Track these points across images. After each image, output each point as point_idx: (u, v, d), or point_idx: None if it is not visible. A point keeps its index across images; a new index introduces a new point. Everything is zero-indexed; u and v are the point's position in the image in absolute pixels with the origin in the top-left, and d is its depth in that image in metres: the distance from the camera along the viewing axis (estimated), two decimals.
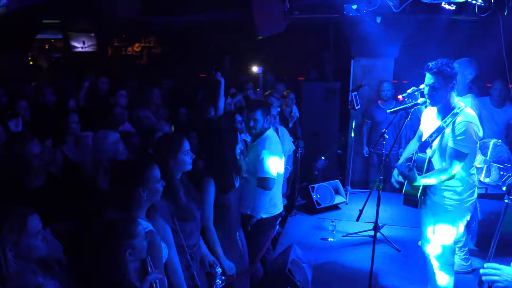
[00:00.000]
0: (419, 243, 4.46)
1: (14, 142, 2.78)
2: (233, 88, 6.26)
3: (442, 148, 3.04)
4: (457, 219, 3.10)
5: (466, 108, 2.99)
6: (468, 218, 3.22)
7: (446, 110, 3.01)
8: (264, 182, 3.56)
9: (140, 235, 2.06)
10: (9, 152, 2.73)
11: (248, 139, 4.35)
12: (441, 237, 3.14)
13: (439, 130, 3.05)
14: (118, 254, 1.98)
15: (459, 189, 3.05)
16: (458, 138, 2.90)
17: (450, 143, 2.93)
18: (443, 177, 3.00)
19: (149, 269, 1.99)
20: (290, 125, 5.80)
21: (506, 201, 2.19)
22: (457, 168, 2.95)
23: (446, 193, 3.08)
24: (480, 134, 2.99)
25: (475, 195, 3.17)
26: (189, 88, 6.91)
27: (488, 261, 2.16)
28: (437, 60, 2.96)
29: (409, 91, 3.99)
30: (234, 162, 3.22)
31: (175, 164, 2.71)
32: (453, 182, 3.03)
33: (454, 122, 2.94)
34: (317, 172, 5.77)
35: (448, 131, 2.98)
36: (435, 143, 3.12)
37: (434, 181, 3.04)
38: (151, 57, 11.66)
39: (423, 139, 3.20)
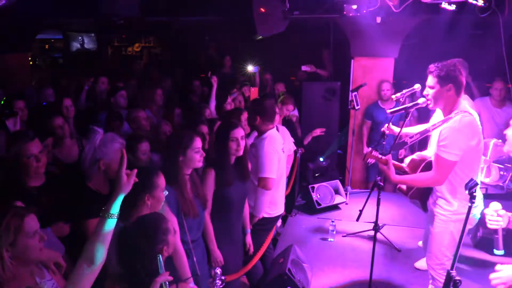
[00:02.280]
0: (419, 243, 4.46)
1: (14, 140, 2.77)
2: (235, 88, 6.27)
3: (432, 155, 2.97)
4: (450, 229, 2.96)
5: (462, 114, 2.83)
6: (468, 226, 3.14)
7: (446, 113, 2.94)
8: (265, 182, 3.56)
9: (172, 230, 2.13)
10: (9, 151, 2.71)
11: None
12: (433, 246, 3.07)
13: (423, 133, 3.00)
14: (157, 251, 2.02)
15: (450, 200, 2.93)
16: (441, 143, 2.79)
17: (436, 149, 2.85)
18: (425, 182, 2.93)
19: (160, 270, 1.98)
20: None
21: (469, 204, 2.18)
22: (442, 175, 2.82)
23: (440, 201, 3.00)
24: (473, 142, 2.82)
25: (477, 209, 2.96)
26: (187, 88, 6.90)
27: (452, 268, 2.16)
28: (439, 62, 2.94)
29: (404, 91, 4.01)
30: (235, 154, 3.22)
31: (184, 161, 2.76)
32: (446, 192, 2.94)
33: (443, 127, 2.85)
34: (308, 172, 5.77)
35: (435, 136, 2.90)
36: (431, 146, 3.09)
37: (414, 183, 3.00)
38: (151, 57, 11.67)
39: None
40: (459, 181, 2.84)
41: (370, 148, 3.04)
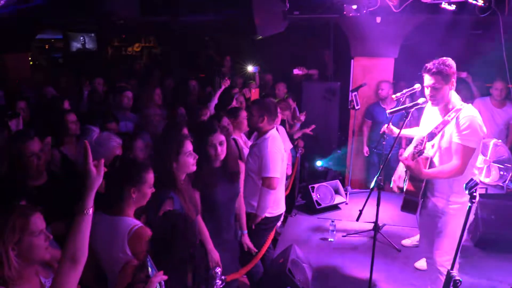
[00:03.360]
0: (404, 241, 4.48)
1: (14, 140, 2.77)
2: (236, 88, 6.28)
3: (443, 147, 2.99)
4: (460, 223, 2.90)
5: (468, 105, 2.97)
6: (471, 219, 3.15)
7: (448, 108, 2.98)
8: (269, 182, 3.57)
9: None
10: (10, 150, 2.71)
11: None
12: (444, 242, 3.06)
13: (445, 123, 3.01)
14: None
15: (461, 192, 2.85)
16: (463, 132, 2.85)
17: (456, 139, 2.89)
18: (451, 173, 2.93)
19: (151, 270, 1.96)
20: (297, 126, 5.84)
21: (469, 204, 2.19)
22: (465, 164, 2.87)
23: (451, 197, 2.99)
24: (484, 129, 2.93)
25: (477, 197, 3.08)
26: (187, 88, 6.90)
27: (452, 268, 2.15)
28: (434, 60, 2.96)
29: (404, 91, 4.00)
30: (215, 159, 3.19)
31: (178, 166, 2.69)
32: (457, 184, 2.94)
33: (458, 117, 2.90)
34: (304, 171, 5.77)
35: (451, 127, 2.94)
36: (436, 141, 3.09)
37: (441, 175, 2.99)
38: (151, 57, 11.67)
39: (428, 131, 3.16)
40: (469, 172, 2.92)
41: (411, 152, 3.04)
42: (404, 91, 4.03)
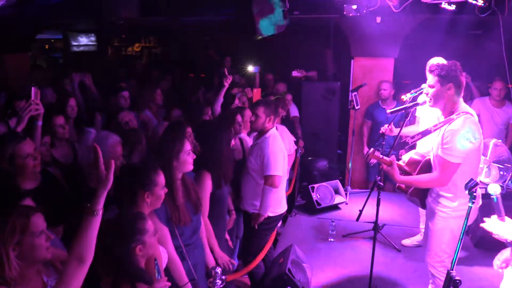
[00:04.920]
0: (404, 241, 4.48)
1: (6, 143, 2.72)
2: (236, 88, 6.27)
3: (433, 153, 2.97)
4: (450, 226, 2.95)
5: (465, 116, 2.83)
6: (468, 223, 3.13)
7: (447, 113, 2.93)
8: (272, 180, 3.59)
9: (150, 231, 2.07)
10: (2, 154, 2.66)
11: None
12: (432, 243, 3.06)
13: (424, 133, 2.99)
14: (129, 249, 1.98)
15: (452, 198, 2.92)
16: (445, 146, 2.80)
17: (439, 151, 2.85)
18: (429, 184, 2.93)
19: (157, 275, 1.95)
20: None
21: (469, 204, 2.19)
22: (446, 177, 2.83)
23: (441, 199, 2.99)
24: (476, 144, 2.82)
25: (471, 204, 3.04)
26: (188, 88, 6.90)
27: (452, 268, 2.15)
28: (441, 62, 2.93)
29: (412, 91, 3.99)
30: (230, 158, 3.27)
31: (178, 165, 2.72)
32: (448, 190, 2.93)
33: (445, 129, 2.84)
34: (315, 172, 5.77)
35: (439, 137, 2.89)
36: (422, 144, 3.08)
37: (417, 184, 3.01)
38: (151, 57, 11.67)
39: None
40: (462, 180, 2.81)
41: (372, 149, 3.03)
42: (412, 91, 4.02)
